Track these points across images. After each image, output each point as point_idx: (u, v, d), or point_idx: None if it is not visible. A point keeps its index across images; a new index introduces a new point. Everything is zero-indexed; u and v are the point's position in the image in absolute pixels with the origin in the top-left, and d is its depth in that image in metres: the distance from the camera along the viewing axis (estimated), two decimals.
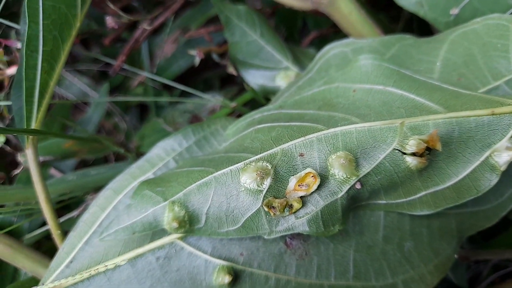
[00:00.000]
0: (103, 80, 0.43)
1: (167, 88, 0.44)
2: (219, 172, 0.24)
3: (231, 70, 0.38)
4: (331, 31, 0.39)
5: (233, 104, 0.34)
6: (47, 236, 0.36)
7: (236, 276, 0.25)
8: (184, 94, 0.43)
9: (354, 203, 0.25)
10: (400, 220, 0.26)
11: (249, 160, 0.24)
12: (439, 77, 0.28)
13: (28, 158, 0.27)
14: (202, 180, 0.25)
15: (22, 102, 0.27)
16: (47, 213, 0.28)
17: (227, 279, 0.25)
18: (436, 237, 0.26)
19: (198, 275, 0.26)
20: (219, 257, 0.25)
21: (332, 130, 0.24)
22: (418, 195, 0.25)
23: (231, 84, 0.45)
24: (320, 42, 0.40)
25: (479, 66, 0.27)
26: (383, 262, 0.26)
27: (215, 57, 0.39)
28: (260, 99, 0.35)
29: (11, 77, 0.34)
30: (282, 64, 0.36)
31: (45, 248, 0.34)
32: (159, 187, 0.25)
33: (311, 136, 0.24)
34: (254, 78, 0.36)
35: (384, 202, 0.25)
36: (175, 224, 0.24)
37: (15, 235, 0.33)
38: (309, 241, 0.26)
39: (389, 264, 0.26)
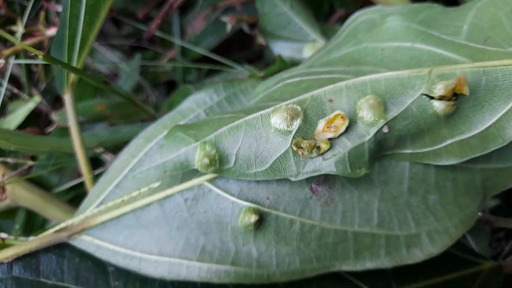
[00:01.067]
0: (135, 55, 0.45)
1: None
2: (249, 116, 0.25)
3: (260, 40, 0.39)
4: (352, 11, 0.40)
5: (261, 74, 0.35)
6: (77, 196, 0.37)
7: (261, 218, 0.26)
8: (210, 73, 0.44)
9: (381, 150, 0.25)
10: (426, 172, 0.26)
11: (279, 105, 0.25)
12: (465, 39, 0.28)
13: (67, 102, 0.28)
14: (233, 124, 0.25)
15: (64, 50, 0.29)
16: (81, 158, 0.29)
17: (253, 218, 0.25)
18: (461, 192, 0.27)
19: (224, 217, 0.26)
20: (246, 200, 0.26)
21: (361, 78, 0.25)
22: (444, 144, 0.25)
23: (257, 63, 0.46)
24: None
25: (505, 29, 0.28)
26: (407, 213, 0.26)
27: (245, 28, 0.40)
28: (288, 67, 0.36)
29: (50, 39, 0.36)
30: (310, 37, 0.37)
31: (75, 204, 0.35)
32: (191, 130, 0.26)
33: (340, 83, 0.25)
34: (282, 50, 0.37)
35: (410, 151, 0.26)
36: (206, 161, 0.24)
37: (45, 187, 0.34)
38: (335, 188, 0.26)
39: (413, 215, 0.26)
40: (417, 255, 0.26)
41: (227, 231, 0.26)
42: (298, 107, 0.25)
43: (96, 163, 0.38)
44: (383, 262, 0.26)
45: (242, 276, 0.26)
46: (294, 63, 0.37)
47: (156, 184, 0.26)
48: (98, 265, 0.28)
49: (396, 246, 0.26)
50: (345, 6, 0.41)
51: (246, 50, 0.45)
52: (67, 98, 0.28)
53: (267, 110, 0.25)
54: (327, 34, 0.37)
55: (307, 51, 0.36)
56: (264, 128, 0.25)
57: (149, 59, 0.45)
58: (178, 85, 0.44)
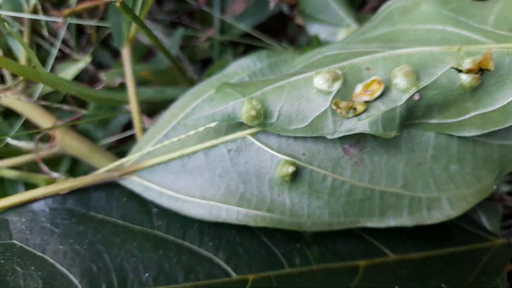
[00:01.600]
0: (174, 32, 0.48)
1: (232, 46, 0.48)
2: (293, 78, 0.28)
3: (299, 21, 0.42)
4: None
5: (298, 53, 0.38)
6: (121, 152, 0.40)
7: (297, 171, 0.28)
8: (247, 52, 0.47)
9: (410, 117, 0.28)
10: (449, 143, 0.29)
11: (321, 69, 0.28)
12: (492, 26, 0.31)
13: (125, 56, 0.31)
14: (277, 84, 0.28)
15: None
16: (135, 108, 0.32)
17: (290, 169, 0.28)
18: (480, 164, 0.29)
19: (263, 168, 0.29)
20: (284, 154, 0.29)
21: (396, 51, 0.28)
22: (467, 116, 0.27)
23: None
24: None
25: None
26: (430, 178, 0.29)
27: (285, 9, 0.43)
28: None
29: (106, 4, 0.39)
30: (345, 22, 0.39)
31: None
32: (238, 88, 0.29)
33: (377, 54, 0.28)
34: (317, 31, 0.40)
35: (436, 121, 0.28)
36: (253, 113, 0.27)
37: (92, 140, 0.37)
38: (365, 151, 0.29)
39: (436, 181, 0.29)
40: (437, 216, 0.28)
41: (265, 181, 0.29)
42: (338, 71, 0.27)
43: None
44: (405, 220, 0.28)
45: (276, 222, 0.28)
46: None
47: (202, 128, 0.29)
48: (143, 206, 0.30)
49: (418, 207, 0.28)
50: None
51: (279, 35, 0.48)
52: (126, 51, 0.31)
53: (310, 73, 0.28)
54: (360, 20, 0.40)
55: (341, 35, 0.39)
56: (306, 89, 0.27)
57: (188, 36, 0.48)
58: (214, 62, 0.47)
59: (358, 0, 0.46)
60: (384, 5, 0.36)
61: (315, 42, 0.38)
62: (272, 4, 0.42)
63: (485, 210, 0.36)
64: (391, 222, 0.29)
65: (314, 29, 0.40)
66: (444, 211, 0.28)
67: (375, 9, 0.44)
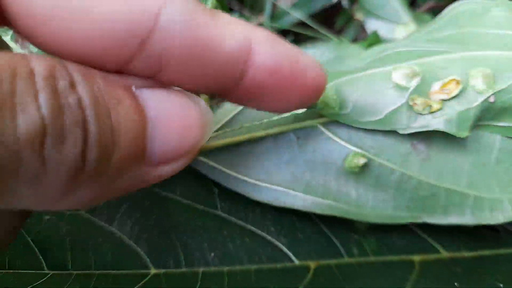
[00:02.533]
0: None
1: (281, 34, 0.48)
2: (370, 71, 0.28)
3: (358, 16, 0.42)
4: (442, 4, 0.43)
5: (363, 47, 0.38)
6: None
7: (366, 163, 0.29)
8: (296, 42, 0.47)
9: (482, 119, 0.28)
10: None
11: (399, 64, 0.28)
12: None
13: None
14: (354, 75, 0.28)
15: None
16: None
17: (362, 160, 0.28)
18: None
19: (330, 158, 0.29)
20: (354, 145, 0.29)
21: (473, 53, 0.28)
22: None
23: None
24: (431, 13, 0.45)
25: None
26: (493, 180, 0.29)
27: (345, 3, 0.43)
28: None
29: None
30: (403, 20, 0.40)
31: None
32: None
33: (453, 54, 0.28)
34: (376, 27, 0.40)
35: (505, 124, 0.28)
36: (329, 101, 0.27)
37: None
38: (432, 148, 0.29)
39: (499, 183, 0.29)
40: (498, 218, 0.29)
41: (331, 171, 0.29)
42: (417, 68, 0.28)
43: None
44: (468, 219, 0.29)
45: (342, 212, 0.29)
46: (385, 42, 0.41)
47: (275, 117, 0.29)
48: (206, 186, 0.31)
49: (481, 207, 0.29)
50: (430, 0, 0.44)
51: (326, 26, 0.48)
52: None
53: (388, 67, 0.28)
54: (417, 20, 0.40)
55: (399, 32, 0.39)
56: (384, 82, 0.28)
57: None
58: None
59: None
60: (450, 6, 0.36)
61: (373, 38, 0.38)
62: None
63: None
64: (454, 220, 0.29)
65: (373, 24, 0.40)
66: (506, 213, 0.29)
67: (431, 9, 0.45)
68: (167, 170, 0.19)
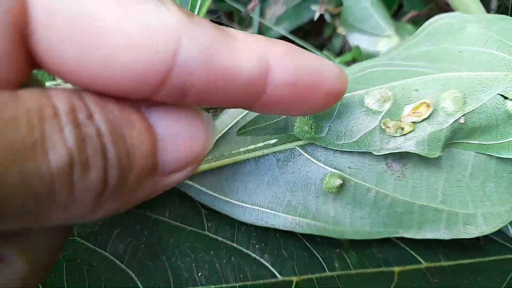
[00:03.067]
0: None
1: None
2: (344, 94, 0.29)
3: (340, 30, 0.43)
4: (425, 12, 0.44)
5: (336, 60, 0.39)
6: None
7: (343, 183, 0.30)
8: None
9: (454, 138, 0.29)
10: (487, 162, 0.30)
11: (371, 88, 0.29)
12: None
13: None
14: None
15: None
16: None
17: (338, 182, 0.29)
18: None
19: (309, 179, 0.31)
20: (331, 166, 0.30)
21: (445, 74, 0.29)
22: (509, 139, 0.29)
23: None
24: (414, 22, 0.45)
25: None
26: (467, 195, 0.30)
27: (327, 17, 0.44)
28: (362, 59, 0.41)
29: None
30: (386, 32, 0.40)
31: None
32: None
33: (427, 76, 0.29)
34: (358, 41, 0.41)
35: (477, 142, 0.30)
36: (305, 128, 0.29)
37: None
38: (407, 167, 0.30)
39: (472, 198, 0.30)
40: (472, 232, 0.30)
41: (311, 191, 0.31)
42: (389, 91, 0.29)
43: None
44: (442, 234, 0.30)
45: (321, 230, 0.30)
46: (368, 55, 0.41)
47: (272, 141, 0.30)
48: (194, 207, 0.32)
49: (455, 222, 0.30)
50: (414, 9, 0.45)
51: (313, 38, 0.49)
52: None
53: (361, 91, 0.29)
54: (400, 31, 0.41)
55: (382, 45, 0.40)
56: (357, 106, 0.29)
57: None
58: None
59: (393, 8, 0.47)
60: (430, 20, 0.37)
61: (355, 52, 0.39)
62: (317, 14, 0.43)
63: None
64: (428, 235, 0.30)
65: (355, 38, 0.41)
66: (479, 227, 0.30)
67: (413, 19, 0.45)
68: (178, 177, 0.20)
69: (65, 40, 0.15)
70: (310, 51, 0.46)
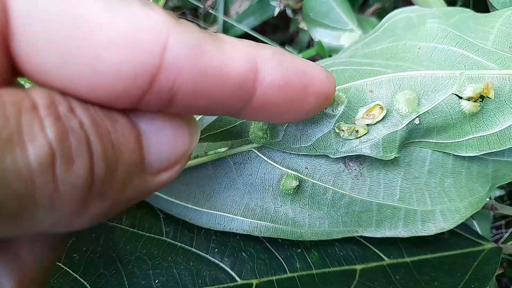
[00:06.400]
0: None
1: None
2: None
3: (302, 25, 0.42)
4: (391, 5, 0.43)
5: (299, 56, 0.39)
6: None
7: (300, 184, 0.30)
8: None
9: (410, 138, 0.29)
10: (444, 158, 0.30)
11: None
12: (492, 45, 0.32)
13: None
14: None
15: None
16: None
17: (294, 183, 0.29)
18: (473, 179, 0.31)
19: (267, 180, 0.30)
20: (287, 167, 0.30)
21: (399, 73, 0.29)
22: (465, 138, 0.29)
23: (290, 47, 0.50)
24: (379, 15, 0.45)
25: None
26: (425, 192, 0.30)
27: (289, 12, 0.43)
28: (325, 53, 0.40)
29: None
30: (348, 26, 0.40)
31: None
32: None
33: (380, 77, 0.29)
34: (321, 36, 0.41)
35: (434, 141, 0.29)
36: (260, 133, 0.28)
37: None
38: (364, 165, 0.30)
39: (430, 194, 0.30)
40: (430, 229, 0.30)
41: (268, 192, 0.30)
42: (343, 95, 0.28)
43: None
44: (400, 232, 0.30)
45: (280, 232, 0.30)
46: (331, 50, 0.41)
47: (223, 149, 0.30)
48: (152, 213, 0.32)
49: (413, 219, 0.30)
50: (378, 2, 0.44)
51: (279, 33, 0.48)
52: None
53: None
54: (363, 24, 0.41)
55: (344, 39, 0.40)
56: None
57: None
58: None
59: (359, 2, 0.46)
60: (389, 14, 0.36)
61: (318, 48, 0.39)
62: (277, 9, 0.42)
63: (477, 216, 0.38)
64: (387, 233, 0.30)
65: (318, 33, 0.40)
66: (437, 224, 0.30)
67: (376, 12, 0.45)
68: (166, 177, 0.20)
69: (48, 41, 0.15)
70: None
